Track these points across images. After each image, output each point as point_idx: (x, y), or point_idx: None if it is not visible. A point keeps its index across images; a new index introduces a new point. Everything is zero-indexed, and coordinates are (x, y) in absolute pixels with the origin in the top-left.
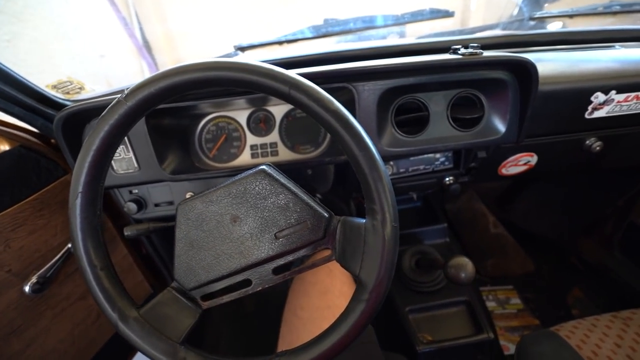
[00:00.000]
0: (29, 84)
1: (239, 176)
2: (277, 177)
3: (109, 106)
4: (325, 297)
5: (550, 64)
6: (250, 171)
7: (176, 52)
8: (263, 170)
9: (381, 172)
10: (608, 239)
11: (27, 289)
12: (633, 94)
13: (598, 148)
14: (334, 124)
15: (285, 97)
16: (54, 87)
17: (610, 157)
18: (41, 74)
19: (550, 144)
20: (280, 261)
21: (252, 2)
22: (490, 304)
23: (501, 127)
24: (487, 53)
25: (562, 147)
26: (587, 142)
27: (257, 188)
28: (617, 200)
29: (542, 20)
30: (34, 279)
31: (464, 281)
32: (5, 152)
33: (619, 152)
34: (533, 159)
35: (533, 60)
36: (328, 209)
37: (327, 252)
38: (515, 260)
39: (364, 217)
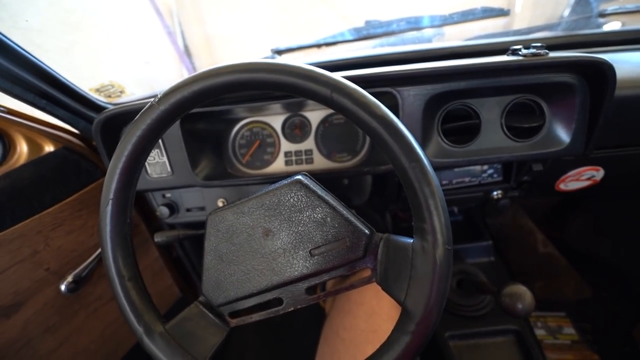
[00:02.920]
0: (74, 87)
1: (272, 186)
2: (314, 188)
3: (142, 111)
4: (371, 320)
5: (626, 65)
6: (285, 181)
7: (214, 56)
8: (299, 181)
9: (434, 187)
10: None
11: (63, 287)
12: None
13: None
14: (381, 131)
15: (327, 101)
16: (97, 90)
17: None
18: (92, 79)
19: (622, 158)
20: (315, 280)
21: (290, 4)
22: (540, 332)
23: (565, 137)
24: (553, 54)
25: (636, 162)
26: None
27: (292, 200)
28: None
29: (614, 16)
30: (69, 278)
31: (521, 314)
32: (50, 153)
33: None
34: (599, 173)
35: None
36: (369, 225)
37: (367, 273)
38: (568, 283)
39: (402, 233)
